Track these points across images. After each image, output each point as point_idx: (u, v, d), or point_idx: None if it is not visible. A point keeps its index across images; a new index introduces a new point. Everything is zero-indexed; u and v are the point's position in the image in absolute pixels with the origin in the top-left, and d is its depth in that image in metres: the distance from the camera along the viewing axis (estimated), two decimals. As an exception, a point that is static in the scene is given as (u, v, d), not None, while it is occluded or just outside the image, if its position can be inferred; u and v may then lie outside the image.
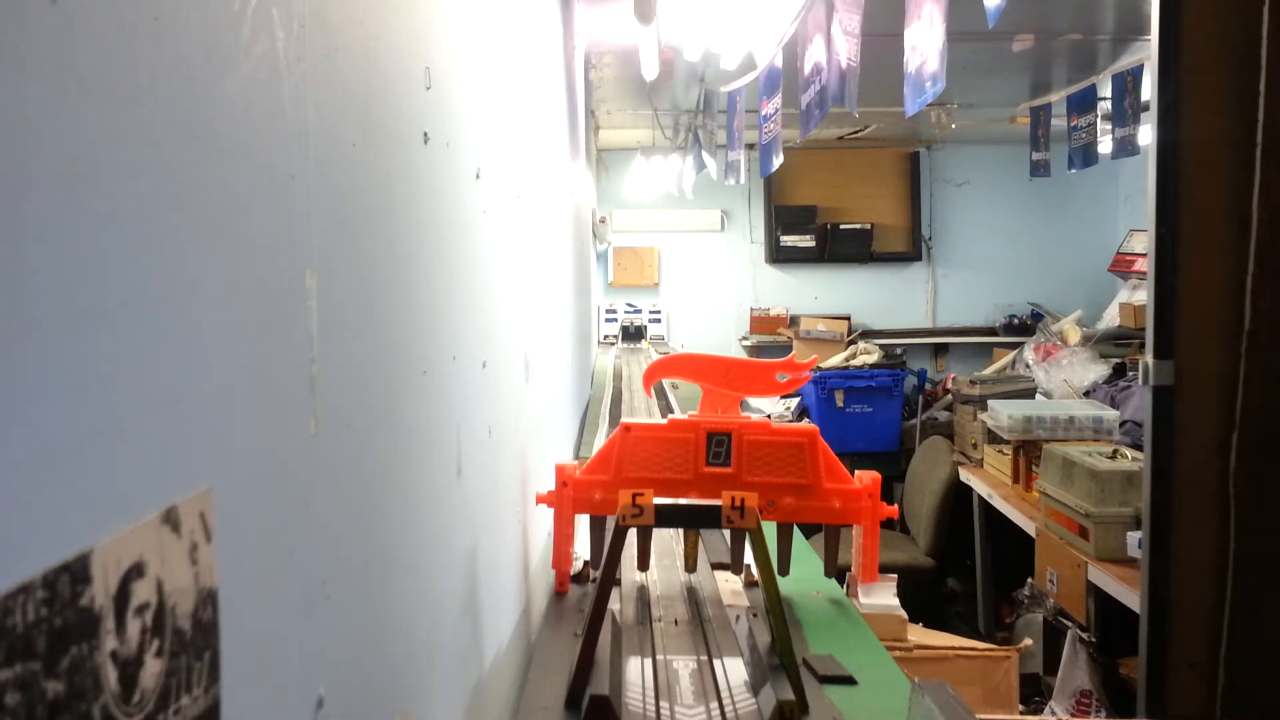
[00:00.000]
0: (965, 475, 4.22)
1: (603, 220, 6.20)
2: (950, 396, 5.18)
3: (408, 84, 0.64)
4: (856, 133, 6.01)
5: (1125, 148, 4.19)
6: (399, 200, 0.62)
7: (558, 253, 2.05)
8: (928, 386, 5.96)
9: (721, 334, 6.53)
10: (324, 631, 0.46)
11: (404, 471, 0.62)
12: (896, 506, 1.26)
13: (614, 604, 1.20)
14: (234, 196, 0.37)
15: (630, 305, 6.75)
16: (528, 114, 1.37)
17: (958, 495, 4.25)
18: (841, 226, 6.59)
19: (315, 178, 0.45)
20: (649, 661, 1.06)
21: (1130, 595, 2.60)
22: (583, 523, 1.29)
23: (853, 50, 2.23)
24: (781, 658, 0.96)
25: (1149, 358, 0.58)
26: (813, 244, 6.61)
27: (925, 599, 4.18)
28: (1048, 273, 6.55)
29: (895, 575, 1.97)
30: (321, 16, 0.46)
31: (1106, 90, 4.39)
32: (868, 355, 5.83)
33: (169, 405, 0.32)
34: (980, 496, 4.11)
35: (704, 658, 1.08)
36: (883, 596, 1.92)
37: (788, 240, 6.62)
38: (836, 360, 5.83)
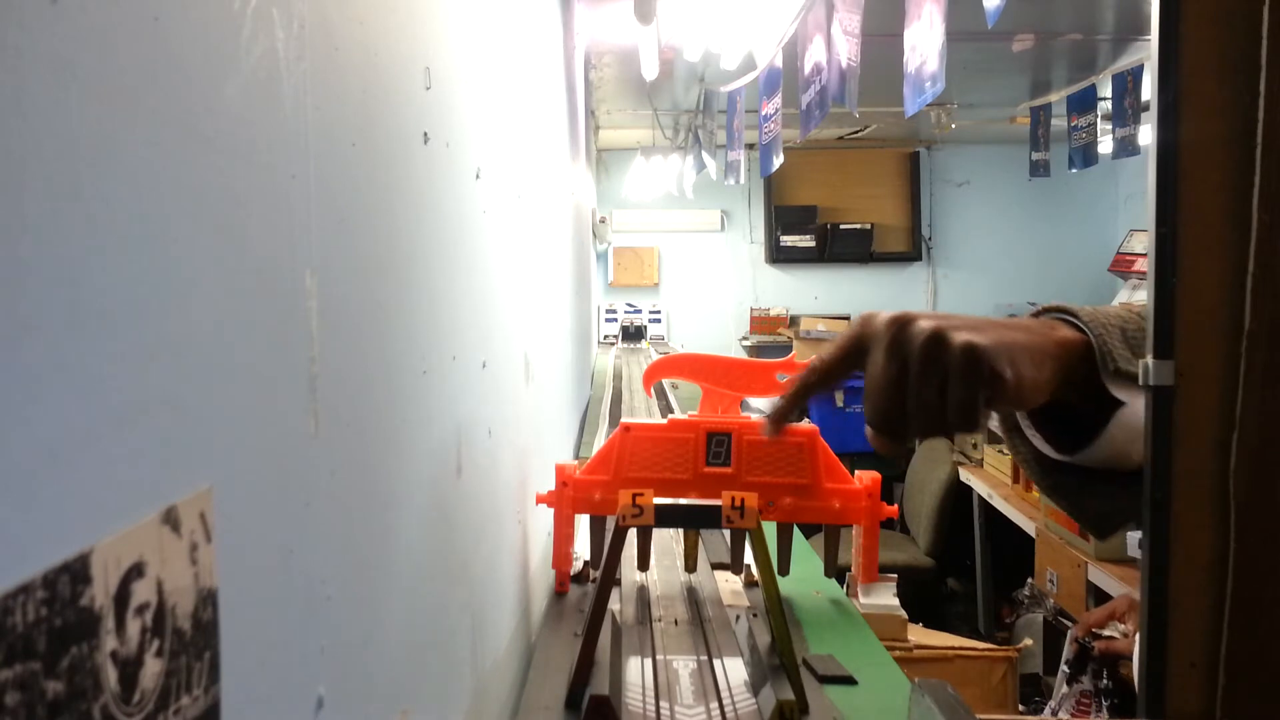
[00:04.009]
0: (965, 475, 4.22)
1: (603, 220, 6.20)
2: (950, 396, 5.17)
3: (408, 84, 0.64)
4: (856, 133, 6.01)
5: (1125, 148, 4.19)
6: (399, 200, 0.62)
7: (558, 253, 2.05)
8: (928, 386, 5.95)
9: (721, 334, 6.53)
10: (324, 631, 0.46)
11: (404, 471, 0.62)
12: (896, 506, 1.25)
13: (614, 604, 1.20)
14: (234, 196, 0.37)
15: (630, 305, 6.75)
16: (528, 114, 1.37)
17: (958, 495, 4.25)
18: (841, 226, 6.59)
19: (315, 178, 0.45)
20: (649, 661, 1.06)
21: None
22: (583, 523, 1.29)
23: (853, 50, 2.23)
24: (781, 658, 0.96)
25: (1149, 358, 0.57)
26: (813, 244, 6.61)
27: (925, 599, 4.18)
28: (1048, 273, 6.56)
29: (895, 575, 1.97)
30: (322, 16, 0.46)
31: (1106, 90, 4.39)
32: (868, 355, 5.82)
33: (169, 405, 0.32)
34: (980, 496, 4.11)
35: (704, 658, 1.08)
36: (883, 596, 1.92)
37: (788, 240, 6.62)
38: (836, 360, 5.82)
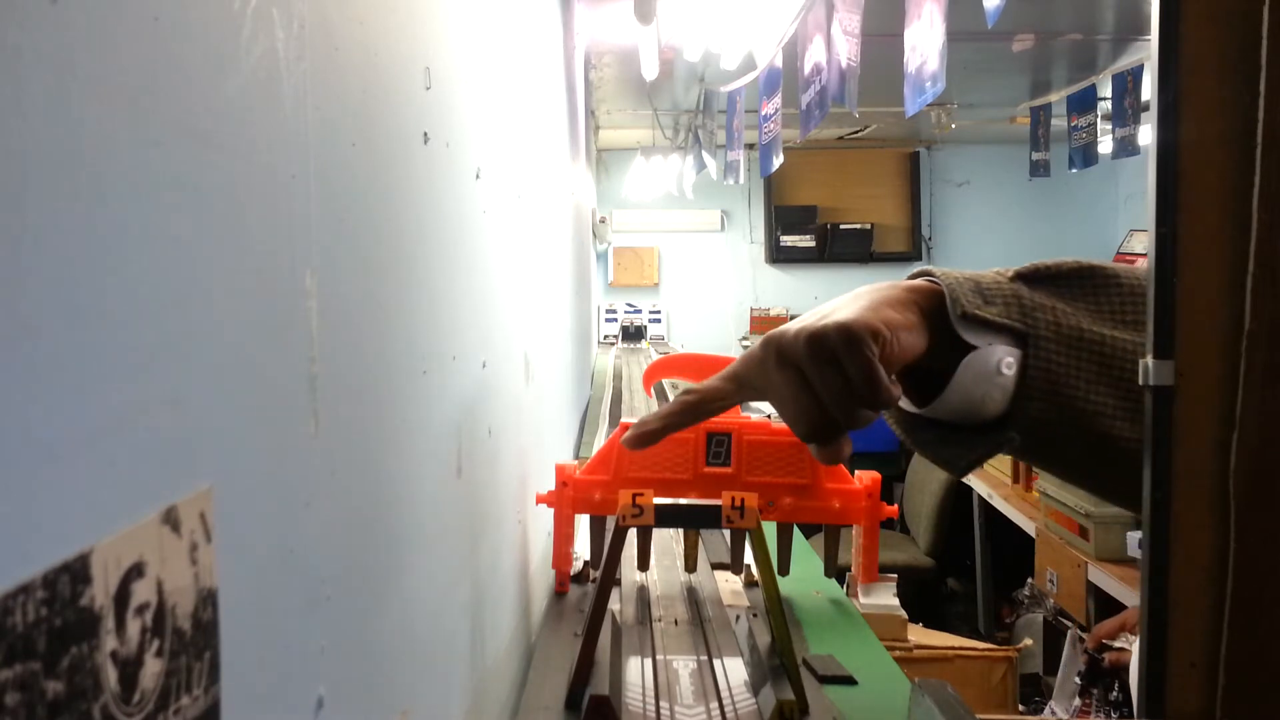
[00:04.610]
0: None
1: (603, 220, 6.20)
2: (950, 396, 5.17)
3: (408, 84, 0.64)
4: (856, 133, 6.01)
5: (1125, 148, 4.20)
6: (399, 200, 0.62)
7: (558, 253, 2.05)
8: (928, 386, 5.95)
9: (721, 334, 6.53)
10: (324, 631, 0.46)
11: (404, 471, 0.62)
12: (896, 506, 1.25)
13: (614, 604, 1.20)
14: (234, 197, 0.37)
15: (630, 305, 6.75)
16: (528, 114, 1.37)
17: (958, 495, 4.25)
18: (841, 226, 6.59)
19: (315, 178, 0.45)
20: (649, 661, 1.06)
21: (1130, 595, 2.60)
22: (583, 523, 1.29)
23: (853, 50, 2.23)
24: (781, 658, 0.96)
25: (1149, 358, 0.57)
26: (813, 244, 6.61)
27: (925, 599, 4.19)
28: (1048, 273, 6.54)
29: (895, 575, 1.97)
30: (322, 16, 0.46)
31: (1106, 90, 4.39)
32: (868, 355, 5.82)
33: (169, 405, 0.32)
34: (980, 496, 4.11)
35: (704, 658, 1.08)
36: (883, 596, 1.93)
37: (788, 240, 6.62)
38: (836, 360, 5.82)
